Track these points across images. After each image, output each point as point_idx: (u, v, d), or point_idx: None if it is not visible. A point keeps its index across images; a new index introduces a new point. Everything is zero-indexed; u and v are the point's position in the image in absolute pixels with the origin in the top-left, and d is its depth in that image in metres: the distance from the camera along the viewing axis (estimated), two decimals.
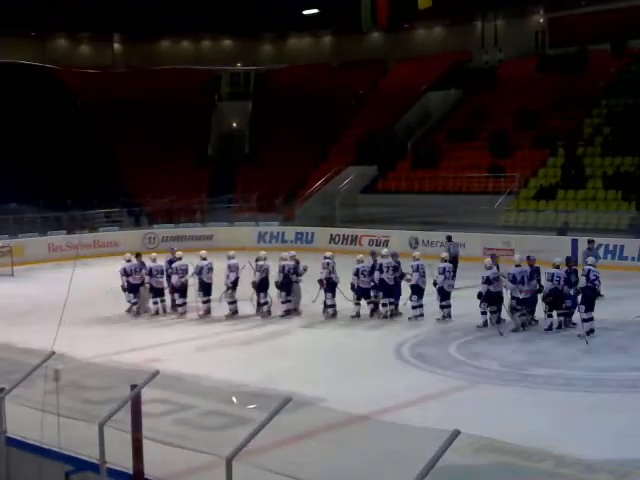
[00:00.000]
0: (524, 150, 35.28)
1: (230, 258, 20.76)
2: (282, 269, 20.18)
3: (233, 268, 20.50)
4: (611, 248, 26.65)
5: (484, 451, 10.29)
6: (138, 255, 21.55)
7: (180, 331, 19.34)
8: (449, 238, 26.00)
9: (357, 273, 19.87)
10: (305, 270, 20.30)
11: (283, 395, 7.60)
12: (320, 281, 20.14)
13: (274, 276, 20.46)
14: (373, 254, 20.72)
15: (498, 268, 18.91)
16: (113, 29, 47.80)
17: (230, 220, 37.05)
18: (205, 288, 20.67)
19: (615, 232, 28.58)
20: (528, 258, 18.79)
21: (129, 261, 21.07)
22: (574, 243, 27.05)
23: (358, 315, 19.93)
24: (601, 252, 26.33)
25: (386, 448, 8.37)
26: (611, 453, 10.66)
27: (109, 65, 48.49)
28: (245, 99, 47.38)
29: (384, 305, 19.83)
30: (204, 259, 20.83)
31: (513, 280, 18.19)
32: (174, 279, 20.60)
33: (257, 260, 20.57)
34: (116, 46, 49.75)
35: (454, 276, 19.97)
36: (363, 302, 20.08)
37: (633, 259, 25.94)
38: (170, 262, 21.12)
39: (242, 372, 15.10)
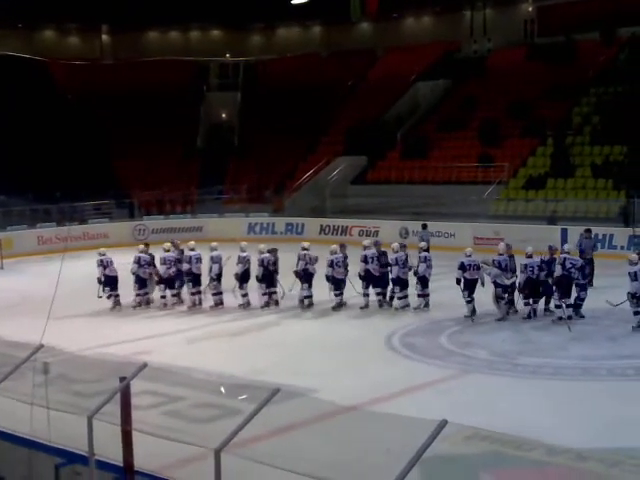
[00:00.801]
0: (513, 139, 35.32)
1: (212, 250, 20.73)
2: (261, 262, 20.16)
3: (216, 260, 20.48)
4: (600, 237, 26.68)
5: (474, 440, 10.31)
6: (146, 245, 21.45)
7: (169, 323, 19.28)
8: (424, 226, 26.14)
9: (332, 264, 19.88)
10: (316, 260, 20.22)
11: (273, 386, 7.58)
12: (296, 272, 20.19)
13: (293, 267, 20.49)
14: (343, 246, 20.72)
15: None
16: (101, 20, 47.63)
17: (220, 211, 36.99)
18: (194, 279, 20.63)
19: (605, 221, 28.64)
20: (550, 248, 18.80)
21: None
22: (564, 232, 27.12)
23: (340, 305, 19.95)
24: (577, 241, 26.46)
25: (375, 438, 8.37)
26: (601, 442, 10.68)
27: (97, 56, 48.34)
28: (234, 90, 47.27)
29: (336, 295, 19.90)
30: (192, 249, 20.80)
31: (499, 266, 18.23)
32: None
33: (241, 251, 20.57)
34: (104, 37, 49.56)
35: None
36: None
37: (622, 248, 25.96)
38: (182, 252, 21.12)
39: (232, 363, 15.08)
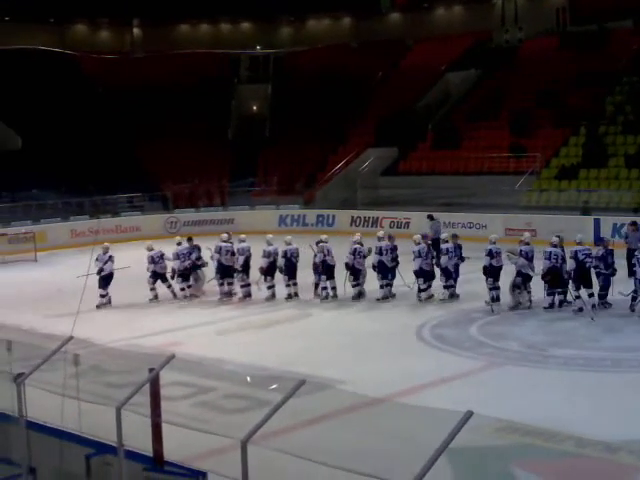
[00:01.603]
0: (545, 129, 35.01)
1: (241, 242, 20.83)
2: (284, 254, 20.24)
3: (242, 251, 20.54)
4: None
5: (505, 432, 10.32)
6: (190, 239, 21.42)
7: (199, 315, 19.38)
8: (430, 217, 26.00)
9: (353, 253, 19.98)
10: (370, 252, 20.20)
11: (302, 378, 7.59)
12: (315, 264, 20.25)
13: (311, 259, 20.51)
14: (391, 237, 20.72)
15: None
16: (132, 14, 47.85)
17: (251, 204, 37.08)
18: (224, 270, 20.68)
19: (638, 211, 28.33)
20: (602, 240, 18.85)
21: (225, 241, 20.87)
22: (597, 223, 26.89)
23: (359, 295, 20.08)
24: (625, 231, 26.20)
25: (403, 430, 8.37)
26: (632, 433, 10.58)
27: (128, 50, 48.56)
28: (264, 82, 47.29)
29: (381, 287, 19.93)
30: (224, 241, 20.87)
31: (526, 257, 18.20)
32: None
33: (287, 244, 20.61)
34: (135, 31, 49.76)
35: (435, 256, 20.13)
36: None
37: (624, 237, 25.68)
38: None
39: (262, 355, 15.13)
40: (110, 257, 20.56)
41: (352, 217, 33.92)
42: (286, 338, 16.95)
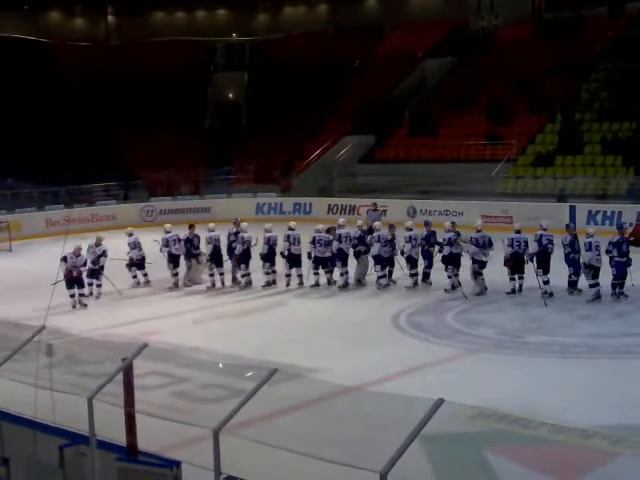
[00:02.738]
0: (521, 116, 35.12)
1: (210, 231, 20.81)
2: (267, 240, 20.28)
3: (211, 240, 20.54)
4: (609, 214, 26.60)
5: (479, 418, 10.35)
6: (192, 226, 21.27)
7: (175, 304, 19.31)
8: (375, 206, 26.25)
9: (314, 242, 20.10)
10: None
11: (277, 366, 7.58)
12: (282, 253, 20.35)
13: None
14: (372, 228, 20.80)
15: (458, 234, 19.25)
16: (107, 1, 47.49)
17: (228, 192, 36.99)
18: (175, 260, 20.81)
19: (614, 198, 28.52)
20: (567, 227, 19.05)
21: (212, 231, 20.79)
22: (572, 209, 27.05)
23: (317, 284, 20.17)
24: (599, 218, 26.41)
25: (375, 418, 8.39)
26: (607, 419, 10.68)
27: (103, 38, 48.20)
28: (241, 70, 47.09)
29: (341, 275, 20.07)
30: (212, 230, 20.84)
31: (476, 243, 18.43)
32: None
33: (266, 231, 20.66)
34: (110, 18, 49.45)
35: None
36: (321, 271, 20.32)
37: (631, 225, 25.88)
38: (236, 233, 20.84)
39: (238, 344, 15.09)
40: (104, 252, 20.38)
41: (329, 205, 33.92)
42: (263, 327, 16.93)
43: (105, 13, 48.97)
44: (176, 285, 20.82)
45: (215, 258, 20.55)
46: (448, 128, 36.68)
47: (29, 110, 38.92)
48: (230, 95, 46.56)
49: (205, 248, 20.65)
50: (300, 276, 20.35)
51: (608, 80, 34.76)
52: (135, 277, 21.28)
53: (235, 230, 20.92)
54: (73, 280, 18.93)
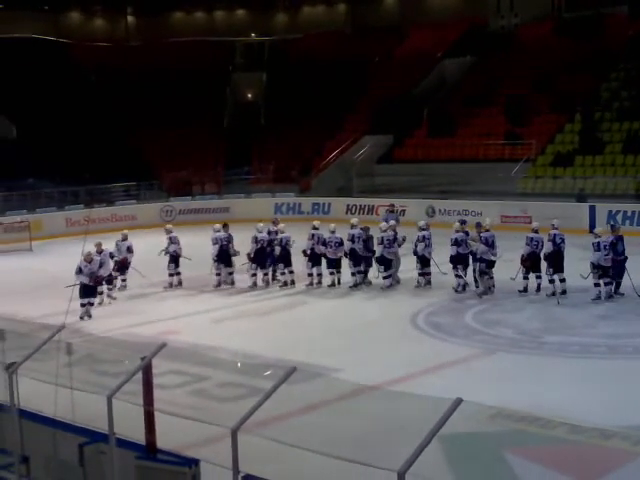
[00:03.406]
0: (541, 116, 34.97)
1: (215, 231, 20.80)
2: (280, 242, 20.33)
3: (216, 241, 20.55)
4: (629, 214, 26.43)
5: (498, 418, 10.30)
6: (225, 225, 21.19)
7: (194, 303, 19.36)
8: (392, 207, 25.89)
9: (324, 243, 20.12)
10: (404, 240, 20.24)
11: (297, 365, 7.58)
12: (304, 252, 20.34)
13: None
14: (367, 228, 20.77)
15: (467, 233, 19.17)
16: (126, 2, 47.67)
17: (247, 192, 37.01)
18: (226, 259, 20.72)
19: (634, 198, 28.35)
20: (613, 226, 18.97)
21: (218, 231, 20.78)
22: (592, 210, 26.90)
23: (334, 284, 20.20)
24: (619, 218, 26.21)
25: (394, 418, 8.37)
26: (627, 419, 10.61)
27: (123, 38, 48.38)
28: (260, 70, 47.16)
29: (353, 274, 20.06)
30: (217, 231, 20.81)
31: (485, 243, 18.38)
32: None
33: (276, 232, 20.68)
34: (130, 19, 49.63)
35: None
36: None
37: None
38: (275, 233, 20.82)
39: (258, 343, 15.13)
40: (128, 247, 20.58)
41: (348, 205, 33.88)
42: (283, 326, 16.96)
43: (125, 13, 49.16)
44: (171, 285, 20.86)
45: (222, 258, 20.55)
46: (467, 128, 36.58)
47: (49, 110, 39.16)
48: (249, 95, 46.62)
49: (211, 248, 20.62)
50: (320, 275, 20.35)
51: (628, 79, 34.54)
52: (172, 275, 21.05)
53: (274, 229, 20.92)
54: (88, 290, 18.14)
